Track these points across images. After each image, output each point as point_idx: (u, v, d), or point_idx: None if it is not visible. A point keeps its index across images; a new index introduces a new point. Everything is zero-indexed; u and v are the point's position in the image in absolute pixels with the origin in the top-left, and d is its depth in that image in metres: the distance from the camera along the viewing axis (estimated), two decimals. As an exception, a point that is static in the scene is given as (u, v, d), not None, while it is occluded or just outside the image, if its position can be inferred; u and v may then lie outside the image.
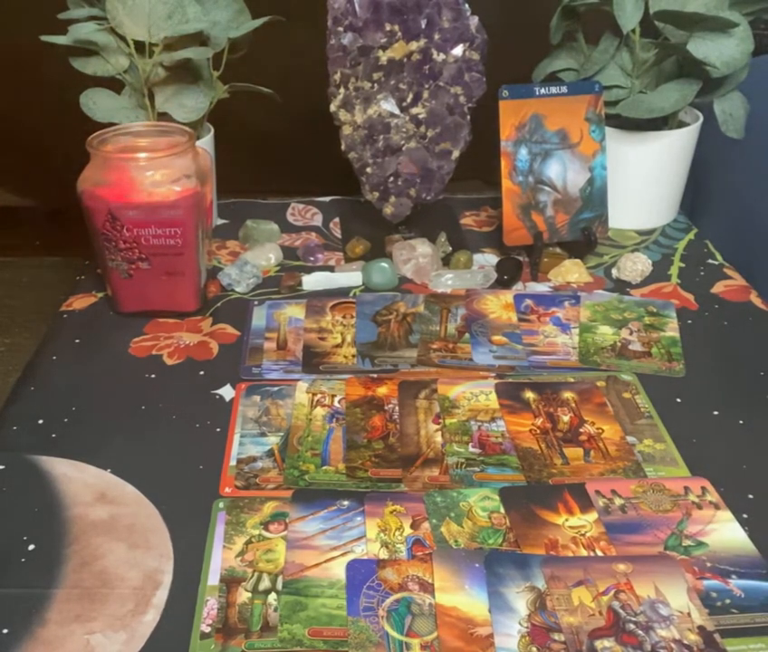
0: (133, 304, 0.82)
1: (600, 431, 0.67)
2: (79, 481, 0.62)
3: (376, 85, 0.89)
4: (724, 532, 0.57)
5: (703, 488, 0.61)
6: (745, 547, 0.56)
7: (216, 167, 0.94)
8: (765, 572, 0.54)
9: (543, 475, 0.62)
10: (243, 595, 0.52)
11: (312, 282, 0.89)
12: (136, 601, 0.52)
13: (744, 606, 0.52)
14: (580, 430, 0.67)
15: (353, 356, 0.77)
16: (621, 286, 0.89)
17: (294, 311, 0.84)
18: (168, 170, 0.76)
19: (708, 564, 0.55)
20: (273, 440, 0.66)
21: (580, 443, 0.66)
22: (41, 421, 0.68)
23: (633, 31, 0.90)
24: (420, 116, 0.90)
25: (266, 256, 0.93)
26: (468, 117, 0.91)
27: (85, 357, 0.78)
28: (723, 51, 0.85)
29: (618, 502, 0.60)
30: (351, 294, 0.87)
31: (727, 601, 0.52)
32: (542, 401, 0.70)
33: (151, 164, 0.76)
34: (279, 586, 0.53)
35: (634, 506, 0.59)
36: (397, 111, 0.89)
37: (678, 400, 0.71)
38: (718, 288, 0.88)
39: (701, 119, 0.96)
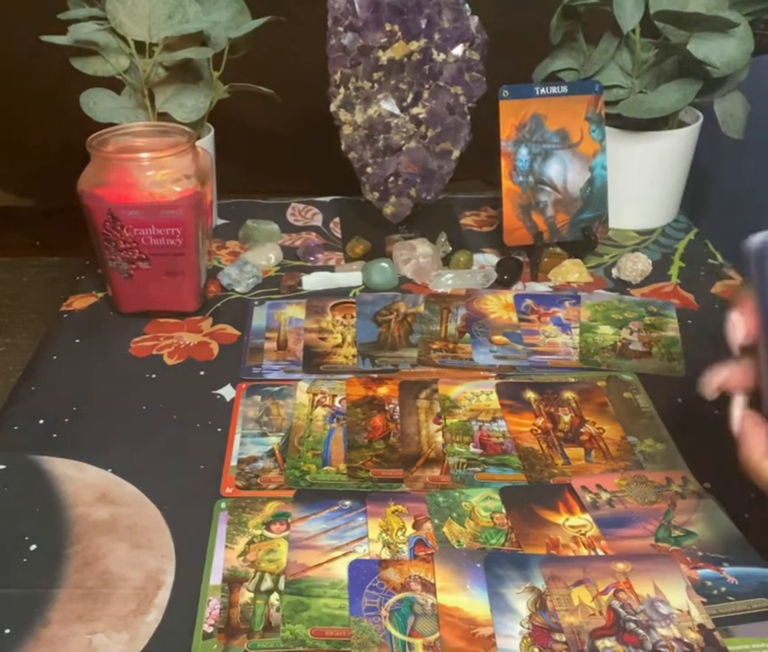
0: (133, 304, 0.82)
1: (601, 431, 0.67)
2: (80, 481, 0.62)
3: (376, 85, 0.89)
4: (710, 520, 0.58)
5: (684, 478, 0.62)
6: (733, 533, 0.57)
7: (216, 167, 0.94)
8: (756, 558, 0.54)
9: (545, 476, 0.62)
10: (245, 595, 0.52)
11: (311, 282, 0.89)
12: (138, 601, 0.52)
13: (740, 593, 0.52)
14: (581, 430, 0.67)
15: (354, 356, 0.77)
16: (621, 286, 0.89)
17: (295, 311, 0.84)
18: (168, 170, 0.76)
19: (699, 553, 0.55)
20: (273, 440, 0.66)
21: (581, 443, 0.66)
22: (41, 421, 0.68)
23: (633, 31, 0.90)
24: (420, 116, 0.90)
25: (266, 256, 0.93)
26: (468, 117, 0.91)
27: (85, 357, 0.78)
28: (723, 51, 0.85)
29: (604, 496, 0.60)
30: (351, 294, 0.87)
31: (723, 590, 0.52)
32: (543, 401, 0.70)
33: (151, 164, 0.76)
34: (281, 586, 0.53)
35: (620, 500, 0.60)
36: (397, 111, 0.89)
37: (679, 400, 0.71)
38: (718, 288, 0.88)
39: (701, 119, 0.96)
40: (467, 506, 0.59)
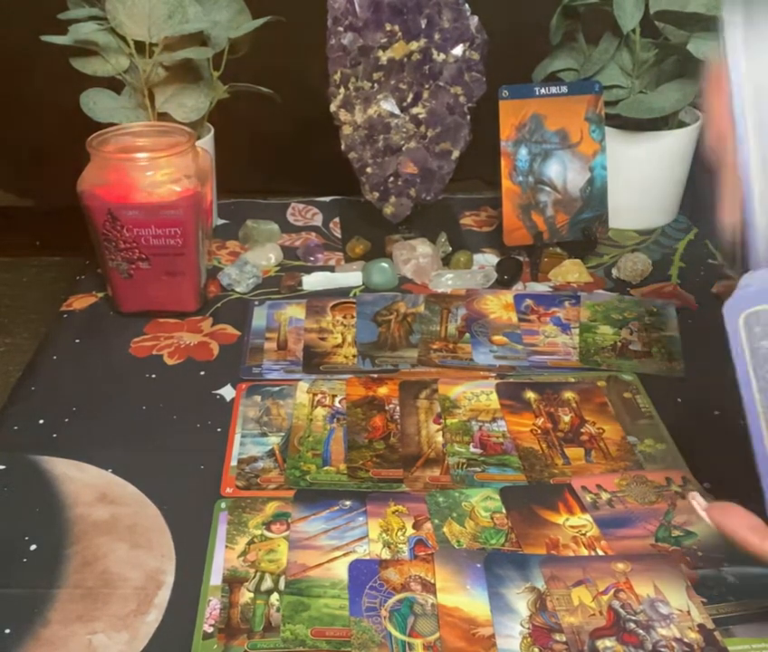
0: (133, 304, 0.82)
1: (601, 431, 0.67)
2: (80, 481, 0.62)
3: (376, 85, 0.89)
4: None
5: (684, 478, 0.62)
6: None
7: (216, 167, 0.94)
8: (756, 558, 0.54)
9: (545, 476, 0.62)
10: (245, 595, 0.52)
11: (312, 282, 0.89)
12: (138, 601, 0.52)
13: (740, 593, 0.52)
14: (581, 430, 0.67)
15: (354, 356, 0.77)
16: (621, 286, 0.89)
17: (295, 312, 0.84)
18: (168, 170, 0.76)
19: (700, 553, 0.55)
20: (273, 440, 0.66)
21: (581, 443, 0.66)
22: (41, 421, 0.68)
23: (633, 31, 0.90)
24: (420, 116, 0.90)
25: (266, 256, 0.93)
26: (468, 117, 0.91)
27: (85, 357, 0.78)
28: (723, 51, 0.85)
29: (604, 496, 0.60)
30: (351, 294, 0.87)
31: (723, 590, 0.52)
32: (543, 401, 0.70)
33: (151, 164, 0.76)
34: (281, 586, 0.53)
35: (620, 500, 0.60)
36: (397, 111, 0.89)
37: (679, 400, 0.71)
38: (718, 288, 0.88)
39: (701, 119, 0.96)
40: (467, 506, 0.59)
